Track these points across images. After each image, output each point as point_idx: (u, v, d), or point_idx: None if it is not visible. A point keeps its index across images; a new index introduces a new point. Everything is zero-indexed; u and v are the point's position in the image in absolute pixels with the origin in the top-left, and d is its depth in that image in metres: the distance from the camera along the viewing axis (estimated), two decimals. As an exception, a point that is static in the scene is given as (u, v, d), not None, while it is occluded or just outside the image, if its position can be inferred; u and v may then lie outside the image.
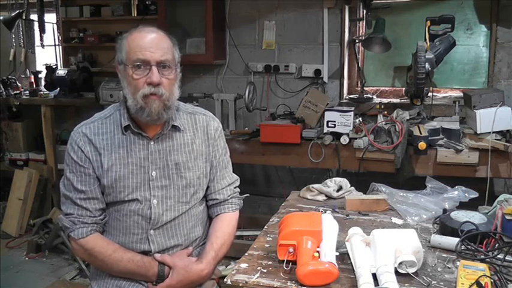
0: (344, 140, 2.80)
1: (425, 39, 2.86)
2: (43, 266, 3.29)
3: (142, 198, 1.51)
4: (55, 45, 4.30)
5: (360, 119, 2.92)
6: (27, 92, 4.18)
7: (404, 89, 3.25)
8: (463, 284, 1.14)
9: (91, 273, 1.68)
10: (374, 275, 1.20)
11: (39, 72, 4.35)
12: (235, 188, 1.69)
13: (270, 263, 1.35)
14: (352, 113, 2.86)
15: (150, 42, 1.45)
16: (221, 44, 3.67)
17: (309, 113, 3.07)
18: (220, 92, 3.64)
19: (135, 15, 3.94)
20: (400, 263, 1.22)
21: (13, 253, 3.51)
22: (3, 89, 4.06)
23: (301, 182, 3.13)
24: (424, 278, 1.23)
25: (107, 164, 1.49)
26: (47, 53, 4.33)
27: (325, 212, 1.64)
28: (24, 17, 3.96)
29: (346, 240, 1.38)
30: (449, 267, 1.29)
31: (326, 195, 1.89)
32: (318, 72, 3.46)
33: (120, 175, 1.50)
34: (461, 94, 2.98)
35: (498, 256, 1.29)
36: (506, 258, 1.27)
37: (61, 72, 3.96)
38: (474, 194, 1.72)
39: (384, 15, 3.30)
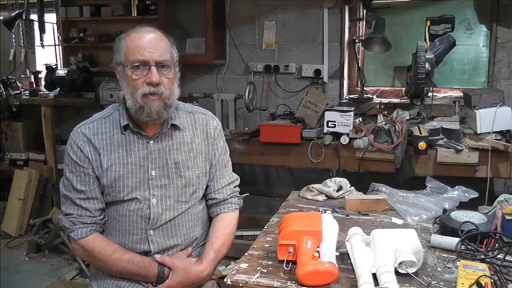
0: (344, 140, 2.80)
1: (425, 39, 2.86)
2: (43, 266, 3.29)
3: (142, 197, 1.52)
4: (55, 45, 4.30)
5: (360, 119, 2.92)
6: (27, 92, 4.18)
7: (404, 89, 3.25)
8: (463, 284, 1.14)
9: (91, 273, 1.68)
10: (374, 275, 1.20)
11: (39, 72, 4.35)
12: (235, 187, 1.69)
13: (270, 263, 1.35)
14: (352, 113, 2.85)
15: (149, 42, 1.45)
16: (221, 44, 3.67)
17: (309, 113, 3.07)
18: (220, 92, 3.63)
19: (135, 15, 3.95)
20: (400, 263, 1.22)
21: (13, 253, 3.51)
22: (3, 89, 4.05)
23: (301, 182, 3.12)
24: (424, 278, 1.23)
25: (107, 163, 1.49)
26: (47, 53, 4.33)
27: (325, 212, 1.64)
28: (24, 17, 3.96)
29: (346, 240, 1.38)
30: (449, 267, 1.29)
31: (326, 195, 1.89)
32: (318, 72, 3.46)
33: (120, 175, 1.50)
34: (461, 94, 2.98)
35: (498, 256, 1.29)
36: (506, 258, 1.27)
37: (61, 72, 3.96)
38: (474, 194, 1.71)
39: (383, 15, 3.30)
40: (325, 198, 1.88)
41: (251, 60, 3.65)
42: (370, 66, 3.53)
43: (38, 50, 4.25)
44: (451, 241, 1.39)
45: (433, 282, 1.21)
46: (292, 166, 3.53)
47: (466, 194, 1.71)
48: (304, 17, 3.49)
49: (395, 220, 1.65)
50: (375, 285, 1.16)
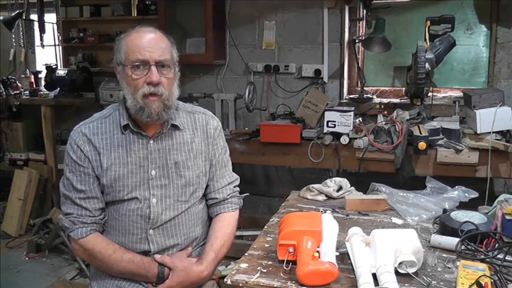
0: (344, 140, 2.80)
1: (425, 39, 2.86)
2: (43, 266, 3.29)
3: (142, 197, 1.52)
4: (55, 45, 4.30)
5: (360, 119, 2.92)
6: (27, 92, 4.18)
7: (404, 89, 3.25)
8: (463, 284, 1.14)
9: (91, 273, 1.68)
10: (374, 275, 1.20)
11: (39, 72, 4.35)
12: (234, 187, 1.69)
13: (270, 263, 1.35)
14: (352, 113, 2.85)
15: (149, 42, 1.45)
16: (221, 44, 3.67)
17: (309, 113, 3.07)
18: (220, 92, 3.63)
19: (135, 15, 3.95)
20: (400, 263, 1.22)
21: (13, 253, 3.50)
22: (3, 89, 4.05)
23: (301, 182, 3.13)
24: (424, 278, 1.23)
25: (106, 163, 1.50)
26: (47, 53, 4.33)
27: (325, 212, 1.64)
28: (24, 17, 3.96)
29: (346, 240, 1.38)
30: (449, 267, 1.29)
31: (326, 195, 1.89)
32: (318, 72, 3.46)
33: (120, 174, 1.50)
34: (461, 94, 2.98)
35: (498, 256, 1.29)
36: (506, 258, 1.27)
37: (61, 72, 3.96)
38: (474, 194, 1.72)
39: (383, 15, 3.30)
40: (325, 198, 1.88)
41: (251, 60, 3.65)
42: (370, 66, 3.53)
43: (38, 50, 4.25)
44: (451, 241, 1.39)
45: (433, 282, 1.21)
46: (292, 166, 3.53)
47: (466, 194, 1.71)
48: (304, 17, 3.49)
49: (395, 220, 1.65)
50: (375, 285, 1.16)
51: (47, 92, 4.07)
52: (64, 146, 3.52)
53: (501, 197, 1.56)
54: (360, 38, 3.43)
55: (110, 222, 1.55)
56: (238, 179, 1.71)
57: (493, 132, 2.55)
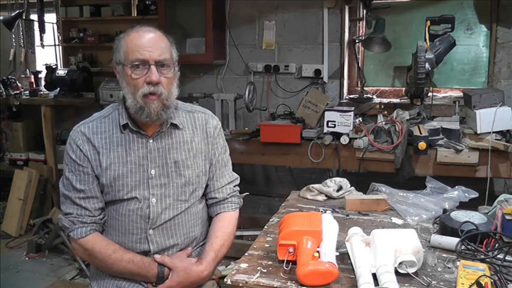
0: (344, 140, 2.80)
1: (425, 39, 2.86)
2: (43, 266, 3.29)
3: (141, 196, 1.51)
4: (55, 45, 4.30)
5: (360, 119, 2.92)
6: (27, 92, 4.18)
7: (404, 89, 3.25)
8: (463, 284, 1.14)
9: (91, 273, 1.68)
10: (374, 275, 1.20)
11: (39, 72, 4.35)
12: (234, 186, 1.69)
13: (270, 263, 1.35)
14: (352, 113, 2.85)
15: (148, 41, 1.45)
16: (221, 44, 3.67)
17: (309, 113, 3.07)
18: (220, 92, 3.63)
19: (135, 15, 3.95)
20: (400, 263, 1.22)
21: (13, 253, 3.51)
22: (3, 89, 4.05)
23: (301, 182, 3.12)
24: (424, 278, 1.23)
25: (106, 162, 1.49)
26: (47, 53, 4.33)
27: (325, 212, 1.64)
28: (24, 17, 3.96)
29: (346, 240, 1.38)
30: (449, 267, 1.29)
31: (326, 195, 1.89)
32: (318, 72, 3.46)
33: (119, 174, 1.50)
34: (461, 94, 2.98)
35: (498, 256, 1.29)
36: (506, 258, 1.27)
37: (61, 72, 3.96)
38: (474, 194, 1.71)
39: (383, 15, 3.30)
40: (325, 198, 1.88)
41: (251, 60, 3.65)
42: (370, 66, 3.53)
43: (38, 50, 4.26)
44: (451, 241, 1.38)
45: (433, 282, 1.21)
46: (292, 166, 3.53)
47: (466, 194, 1.71)
48: (304, 17, 3.49)
49: (395, 220, 1.65)
50: (375, 285, 1.16)
51: (47, 92, 4.07)
52: (64, 146, 3.49)
53: (501, 197, 1.56)
54: (360, 38, 3.43)
55: (110, 222, 1.55)
56: (238, 179, 1.71)
57: (493, 132, 2.55)
